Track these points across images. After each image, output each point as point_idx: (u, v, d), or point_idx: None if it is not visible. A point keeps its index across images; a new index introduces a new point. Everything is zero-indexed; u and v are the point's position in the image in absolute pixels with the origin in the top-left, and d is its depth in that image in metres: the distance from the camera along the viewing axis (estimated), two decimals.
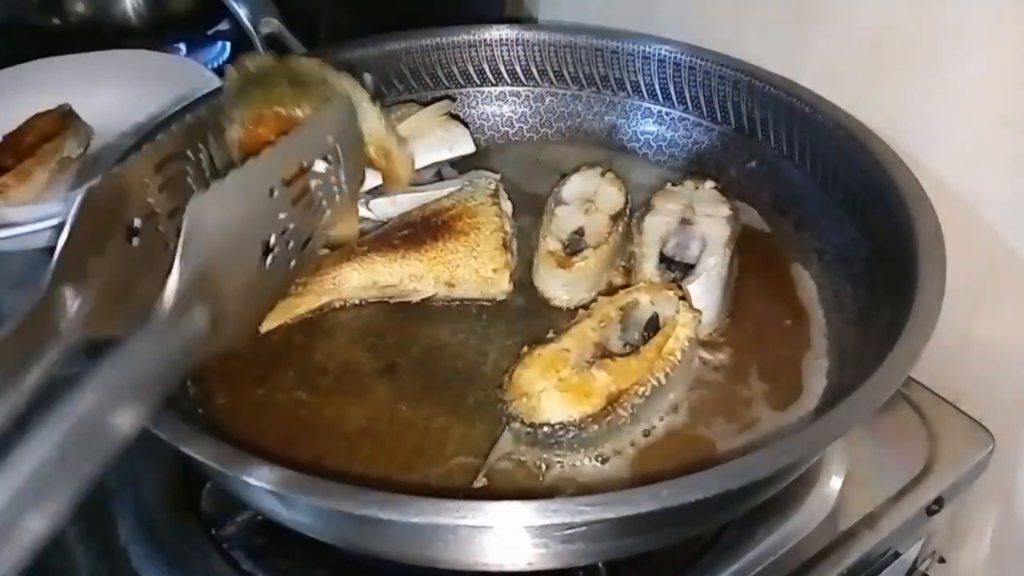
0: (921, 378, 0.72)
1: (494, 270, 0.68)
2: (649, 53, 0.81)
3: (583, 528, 0.46)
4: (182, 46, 1.10)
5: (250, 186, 0.51)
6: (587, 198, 0.73)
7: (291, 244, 0.55)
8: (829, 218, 0.72)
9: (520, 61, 0.85)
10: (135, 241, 0.52)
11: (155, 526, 0.63)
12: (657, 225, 0.70)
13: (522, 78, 0.86)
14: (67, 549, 0.62)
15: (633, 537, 0.52)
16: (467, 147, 0.77)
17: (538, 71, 0.85)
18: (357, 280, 0.69)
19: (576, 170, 0.76)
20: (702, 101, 0.81)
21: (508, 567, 0.52)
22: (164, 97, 0.88)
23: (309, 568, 0.61)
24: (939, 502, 0.67)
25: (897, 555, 0.67)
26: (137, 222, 0.52)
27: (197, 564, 0.60)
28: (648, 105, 0.84)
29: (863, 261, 0.67)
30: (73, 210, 0.47)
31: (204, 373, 0.65)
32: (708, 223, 0.70)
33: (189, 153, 0.62)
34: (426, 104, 0.79)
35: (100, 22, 1.12)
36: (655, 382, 0.58)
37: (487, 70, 0.85)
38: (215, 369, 0.65)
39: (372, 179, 0.74)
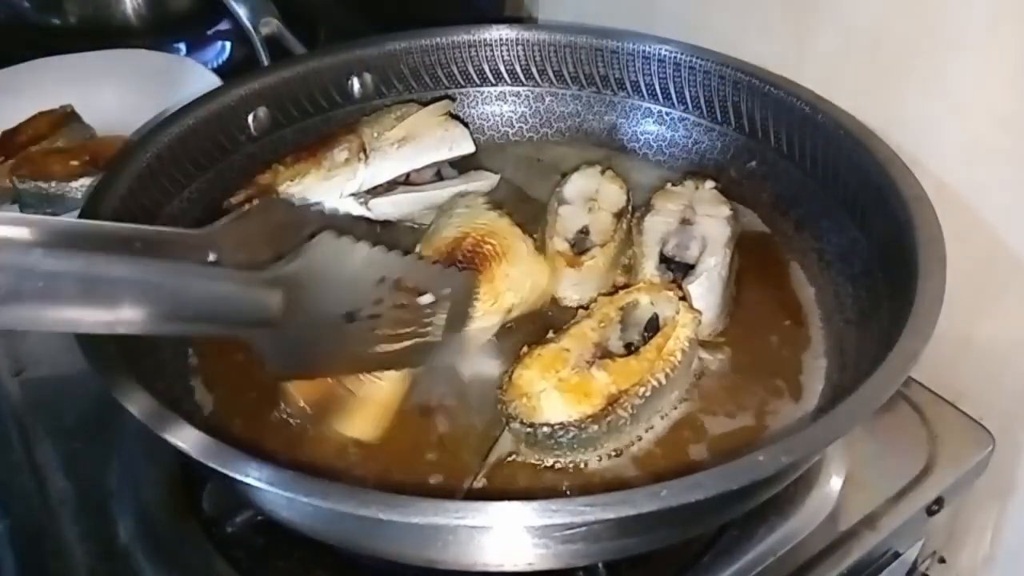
0: (921, 378, 0.72)
1: (549, 276, 0.67)
2: (649, 53, 0.81)
3: (583, 528, 0.46)
4: (182, 46, 1.10)
5: (371, 260, 0.55)
6: (589, 197, 0.73)
7: (371, 330, 0.57)
8: (829, 218, 0.72)
9: (520, 61, 0.85)
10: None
11: (155, 526, 0.63)
12: (657, 225, 0.70)
13: (522, 78, 0.86)
14: (67, 549, 0.62)
15: (633, 537, 0.52)
16: (467, 147, 0.77)
17: (538, 71, 0.85)
18: None
19: (576, 169, 0.76)
20: (702, 101, 0.80)
21: (508, 567, 0.52)
22: (164, 97, 0.88)
23: (309, 568, 0.61)
24: (939, 502, 0.67)
25: (897, 555, 0.67)
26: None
27: (197, 564, 0.60)
28: (648, 105, 0.84)
29: (863, 261, 0.67)
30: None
31: (204, 373, 0.65)
32: (708, 223, 0.70)
33: None
34: (426, 104, 0.79)
35: (100, 22, 1.12)
36: (655, 383, 0.58)
37: (487, 70, 0.85)
38: (215, 369, 0.65)
39: (372, 178, 0.75)
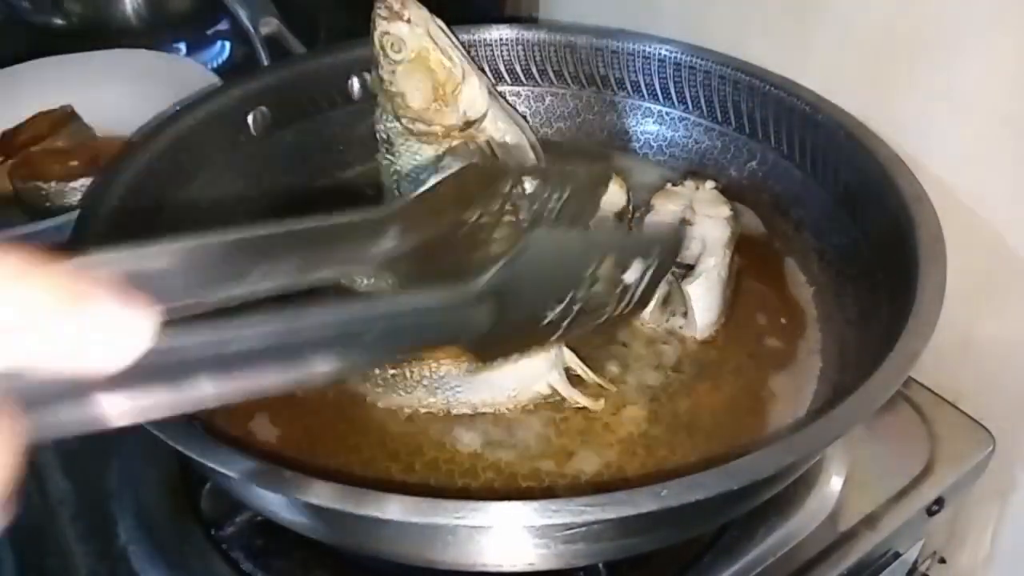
0: (921, 378, 0.72)
1: None
2: (649, 53, 0.81)
3: (583, 528, 0.46)
4: (182, 46, 1.10)
5: (587, 247, 0.48)
6: None
7: (565, 319, 0.49)
8: (829, 218, 0.72)
9: (520, 61, 0.85)
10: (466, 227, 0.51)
11: (155, 526, 0.63)
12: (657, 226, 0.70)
13: (522, 78, 0.86)
14: (67, 549, 0.62)
15: (634, 537, 0.52)
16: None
17: (538, 71, 0.85)
18: None
19: None
20: (702, 101, 0.80)
21: (508, 567, 0.52)
22: (164, 97, 0.88)
23: (309, 568, 0.60)
24: (939, 502, 0.67)
25: (897, 555, 0.67)
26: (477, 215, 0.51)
27: (197, 564, 0.60)
28: (648, 105, 0.84)
29: (863, 261, 0.67)
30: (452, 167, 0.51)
31: None
32: (708, 224, 0.70)
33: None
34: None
35: (100, 22, 1.12)
36: None
37: (487, 70, 0.85)
38: None
39: None
